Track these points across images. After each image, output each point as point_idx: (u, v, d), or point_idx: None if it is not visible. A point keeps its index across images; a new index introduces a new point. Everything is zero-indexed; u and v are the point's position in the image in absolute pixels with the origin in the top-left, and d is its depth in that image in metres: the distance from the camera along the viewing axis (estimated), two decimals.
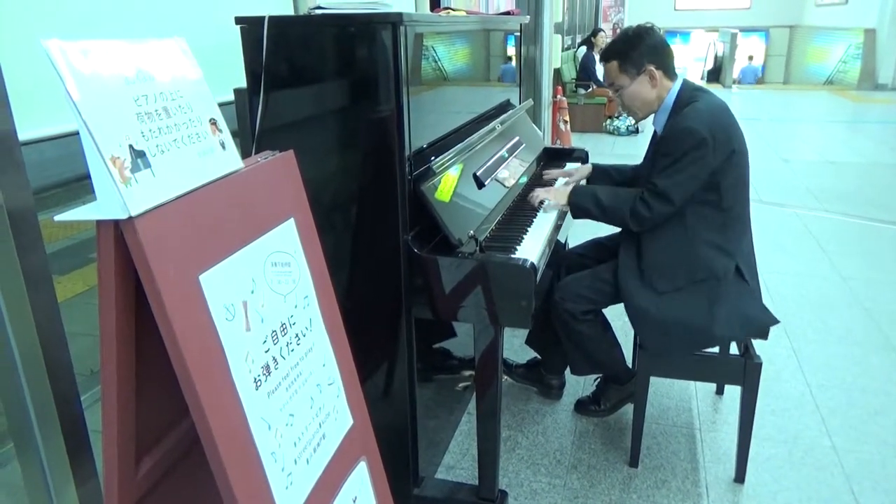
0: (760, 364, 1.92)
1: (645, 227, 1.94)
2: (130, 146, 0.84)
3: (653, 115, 2.03)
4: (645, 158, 2.16)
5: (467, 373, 2.44)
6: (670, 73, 1.97)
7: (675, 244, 1.94)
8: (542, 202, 2.09)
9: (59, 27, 1.62)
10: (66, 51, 0.78)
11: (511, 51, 2.80)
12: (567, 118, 6.29)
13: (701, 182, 1.84)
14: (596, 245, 2.35)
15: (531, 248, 1.75)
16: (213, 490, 1.36)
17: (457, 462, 2.16)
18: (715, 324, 1.89)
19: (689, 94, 1.94)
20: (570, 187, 2.07)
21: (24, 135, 1.21)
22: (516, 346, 2.74)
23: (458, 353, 2.33)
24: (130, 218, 0.82)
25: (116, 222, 0.83)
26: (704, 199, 1.89)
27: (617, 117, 7.87)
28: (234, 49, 1.53)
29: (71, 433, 1.34)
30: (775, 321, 1.95)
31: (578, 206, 2.03)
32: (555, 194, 2.10)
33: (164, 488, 1.15)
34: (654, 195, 1.87)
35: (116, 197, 0.80)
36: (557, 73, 7.19)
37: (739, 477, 2.03)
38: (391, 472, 1.46)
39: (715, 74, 13.32)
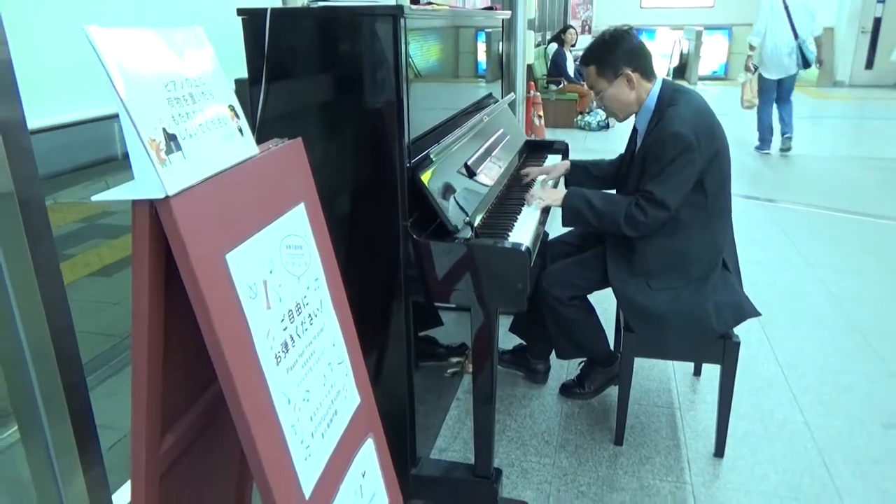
0: (739, 343, 2.02)
1: (640, 233, 1.95)
2: (164, 129, 0.88)
3: (634, 115, 2.08)
4: (626, 152, 2.23)
5: (455, 359, 2.49)
6: (648, 74, 2.01)
7: (668, 248, 1.99)
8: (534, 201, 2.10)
9: (56, 17, 1.63)
10: (106, 37, 0.81)
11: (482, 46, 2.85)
12: (541, 113, 6.39)
13: (691, 184, 1.90)
14: (580, 234, 2.42)
15: (523, 234, 1.82)
16: (224, 467, 1.40)
17: (448, 445, 2.22)
18: (711, 317, 1.97)
19: (670, 94, 1.97)
20: (563, 191, 2.08)
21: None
22: (500, 335, 2.80)
23: (445, 342, 2.39)
24: (167, 197, 0.86)
25: (151, 202, 0.87)
26: (691, 200, 1.93)
27: (588, 113, 8.01)
28: (234, 39, 1.56)
29: (78, 419, 1.35)
30: (758, 313, 2.05)
31: (573, 209, 2.02)
32: (548, 196, 2.10)
33: (181, 465, 1.19)
34: (649, 201, 1.89)
35: (154, 177, 0.84)
36: (530, 69, 7.29)
37: (719, 452, 2.13)
38: (390, 453, 1.51)
39: (680, 71, 13.57)
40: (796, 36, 5.96)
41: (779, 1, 5.97)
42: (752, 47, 6.32)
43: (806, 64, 6.11)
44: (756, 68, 6.34)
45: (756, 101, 6.46)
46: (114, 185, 0.97)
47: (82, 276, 3.38)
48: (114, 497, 1.46)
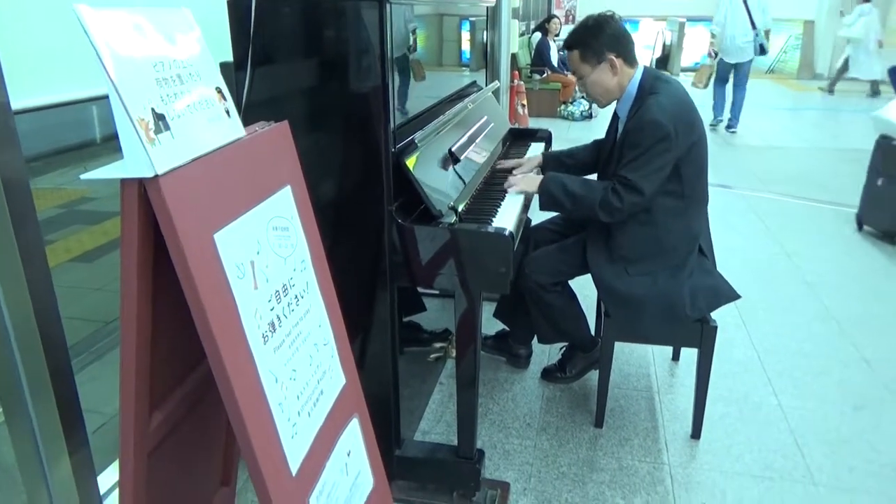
0: (716, 327, 2.07)
1: (615, 219, 1.97)
2: (153, 109, 0.89)
3: (616, 102, 2.10)
4: (606, 139, 2.26)
5: (438, 345, 2.52)
6: (630, 60, 2.03)
7: (645, 236, 2.02)
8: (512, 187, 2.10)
9: None
10: (95, 16, 0.82)
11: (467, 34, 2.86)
12: (525, 102, 6.41)
13: (667, 172, 1.92)
14: (562, 220, 2.45)
15: (507, 220, 1.84)
16: (211, 445, 1.42)
17: (431, 428, 2.25)
18: (685, 303, 2.01)
19: (651, 82, 1.99)
20: (540, 176, 2.09)
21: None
22: (484, 320, 2.83)
23: (428, 327, 2.42)
24: (156, 176, 0.87)
25: (141, 181, 0.88)
26: (667, 189, 1.96)
27: (571, 103, 8.04)
28: (219, 23, 1.56)
29: (64, 402, 1.36)
30: (737, 295, 2.09)
31: (549, 194, 2.03)
32: (526, 182, 2.10)
33: (169, 443, 1.20)
34: (625, 187, 1.91)
35: (143, 156, 0.85)
36: (514, 58, 7.30)
37: (696, 433, 2.18)
38: (375, 434, 1.53)
39: (663, 63, 13.64)
40: (754, 26, 6.76)
41: None
42: (713, 35, 7.32)
43: (762, 51, 6.96)
44: (717, 54, 7.25)
45: (700, 85, 7.62)
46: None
47: (63, 262, 3.35)
48: (99, 479, 1.46)
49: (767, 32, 6.89)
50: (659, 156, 1.89)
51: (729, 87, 7.20)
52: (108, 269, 3.27)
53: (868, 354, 2.70)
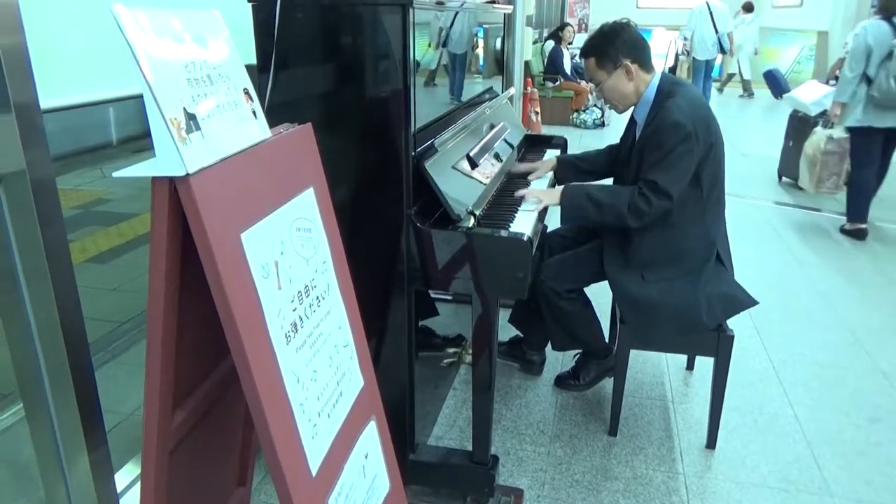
0: (733, 337, 2.06)
1: (643, 223, 1.94)
2: (184, 109, 0.90)
3: (633, 107, 2.10)
4: (622, 144, 2.26)
5: (451, 350, 2.52)
6: (647, 66, 2.04)
7: (663, 240, 2.01)
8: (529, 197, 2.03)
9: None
10: (131, 16, 0.83)
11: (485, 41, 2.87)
12: (538, 109, 6.42)
13: (691, 174, 1.92)
14: (577, 227, 2.45)
15: (524, 225, 1.84)
16: (228, 445, 1.42)
17: (445, 433, 2.25)
18: (701, 310, 2.00)
19: (668, 86, 2.01)
20: (559, 188, 2.03)
21: None
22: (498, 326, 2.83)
23: (442, 333, 2.41)
24: (187, 175, 0.87)
25: (171, 179, 0.89)
26: (687, 193, 1.96)
27: (584, 111, 8.04)
28: (242, 26, 1.57)
29: (84, 399, 1.36)
30: (754, 302, 2.08)
31: (573, 205, 1.98)
32: (545, 196, 2.03)
33: (189, 441, 1.21)
34: (654, 191, 1.89)
35: (175, 155, 0.86)
36: (527, 65, 7.31)
37: (711, 443, 2.17)
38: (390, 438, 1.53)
39: (674, 71, 13.63)
40: (717, 31, 8.61)
41: (704, 6, 8.65)
42: (685, 38, 9.33)
43: (723, 51, 8.88)
44: (689, 53, 9.30)
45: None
46: (108, 173, 0.98)
47: (79, 263, 3.37)
48: (115, 477, 1.47)
49: (730, 35, 8.86)
50: (683, 157, 1.89)
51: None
52: (122, 269, 3.29)
53: (884, 366, 2.68)
